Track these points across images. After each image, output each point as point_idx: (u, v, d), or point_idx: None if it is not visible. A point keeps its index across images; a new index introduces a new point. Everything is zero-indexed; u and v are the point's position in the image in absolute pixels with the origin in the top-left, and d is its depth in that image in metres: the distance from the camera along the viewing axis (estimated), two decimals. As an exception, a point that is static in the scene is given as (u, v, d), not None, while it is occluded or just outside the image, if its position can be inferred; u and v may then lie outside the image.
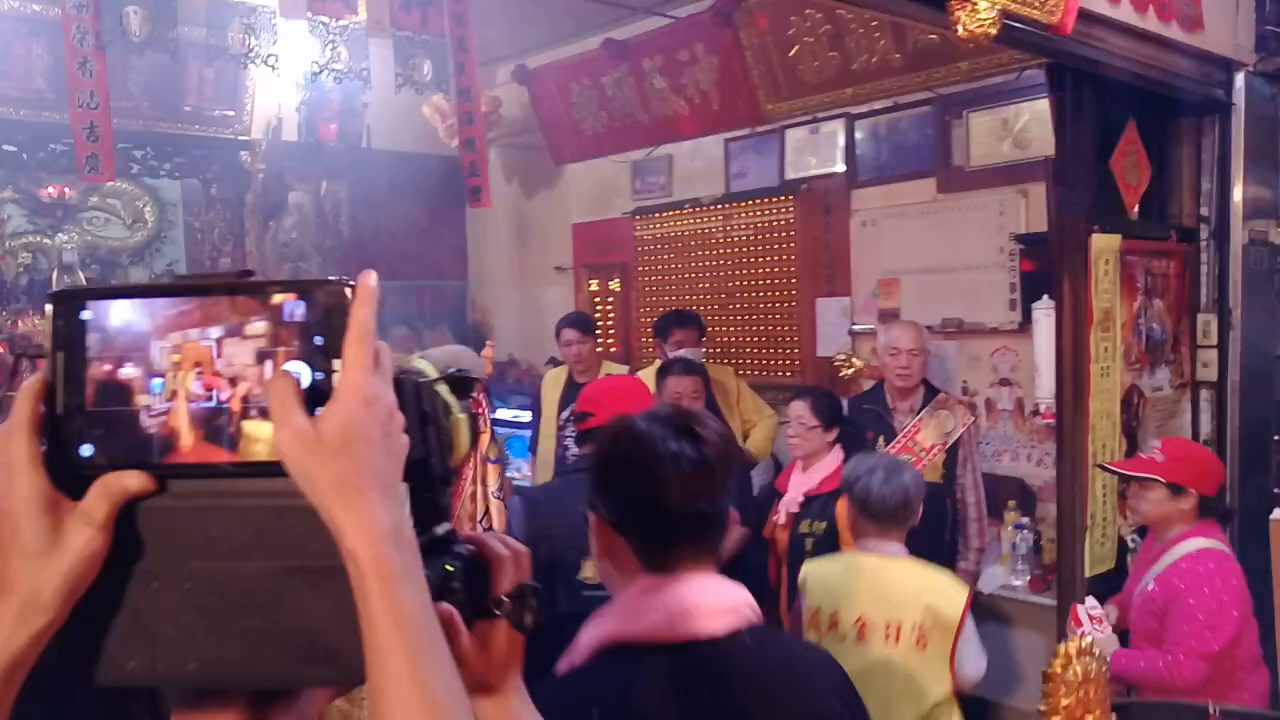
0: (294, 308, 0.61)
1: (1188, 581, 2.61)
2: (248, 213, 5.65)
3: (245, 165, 5.64)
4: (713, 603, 1.30)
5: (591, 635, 1.32)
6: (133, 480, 0.60)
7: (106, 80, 3.89)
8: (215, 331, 0.61)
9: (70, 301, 0.62)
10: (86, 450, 0.61)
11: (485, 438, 2.39)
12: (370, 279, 0.61)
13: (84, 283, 4.93)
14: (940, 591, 2.56)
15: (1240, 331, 3.48)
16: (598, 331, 5.60)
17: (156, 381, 0.61)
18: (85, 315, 0.61)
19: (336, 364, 0.60)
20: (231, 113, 5.52)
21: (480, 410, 2.36)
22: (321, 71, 4.68)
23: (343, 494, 0.57)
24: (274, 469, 0.59)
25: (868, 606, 2.55)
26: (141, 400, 0.61)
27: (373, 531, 0.57)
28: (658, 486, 1.30)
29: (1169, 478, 2.70)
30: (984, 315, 4.32)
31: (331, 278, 0.61)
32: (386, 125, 5.87)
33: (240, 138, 5.58)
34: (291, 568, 0.61)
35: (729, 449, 1.38)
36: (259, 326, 0.61)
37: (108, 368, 0.61)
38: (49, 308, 0.62)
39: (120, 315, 0.61)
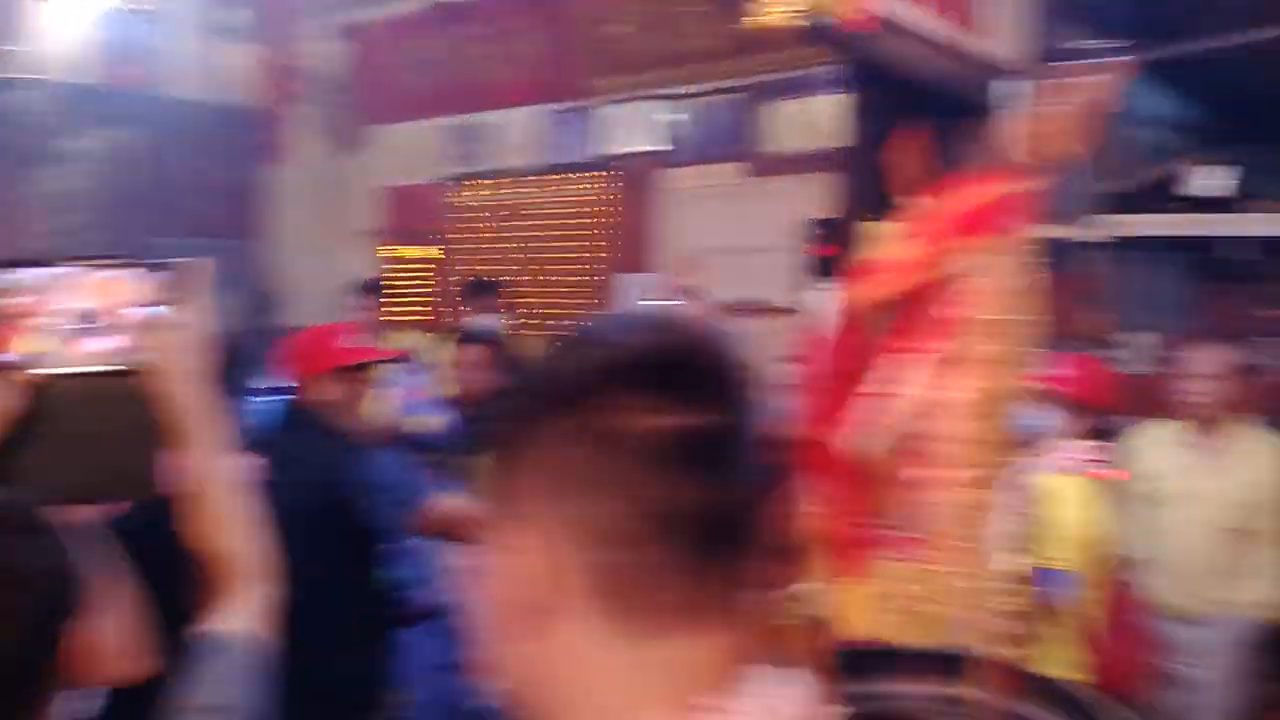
0: (150, 275, 1.04)
1: None
2: (15, 158, 5.13)
3: (17, 105, 5.12)
4: None
5: None
6: (34, 374, 1.00)
7: None
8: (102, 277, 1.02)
9: None
10: (6, 357, 0.99)
11: None
12: (205, 263, 1.10)
13: None
14: None
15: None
16: (407, 297, 5.51)
17: (71, 308, 1.00)
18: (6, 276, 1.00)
19: (176, 308, 1.03)
20: (10, 48, 5.00)
21: None
22: (112, 9, 4.33)
23: (181, 377, 1.04)
24: (126, 372, 1.02)
25: None
26: (48, 322, 1.00)
27: (194, 393, 1.05)
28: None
29: None
30: (777, 296, 4.54)
31: (175, 259, 1.06)
32: (184, 72, 5.48)
33: (13, 75, 5.06)
34: (130, 427, 1.03)
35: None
36: (131, 283, 1.03)
37: (26, 302, 0.99)
38: None
39: (37, 273, 1.01)
